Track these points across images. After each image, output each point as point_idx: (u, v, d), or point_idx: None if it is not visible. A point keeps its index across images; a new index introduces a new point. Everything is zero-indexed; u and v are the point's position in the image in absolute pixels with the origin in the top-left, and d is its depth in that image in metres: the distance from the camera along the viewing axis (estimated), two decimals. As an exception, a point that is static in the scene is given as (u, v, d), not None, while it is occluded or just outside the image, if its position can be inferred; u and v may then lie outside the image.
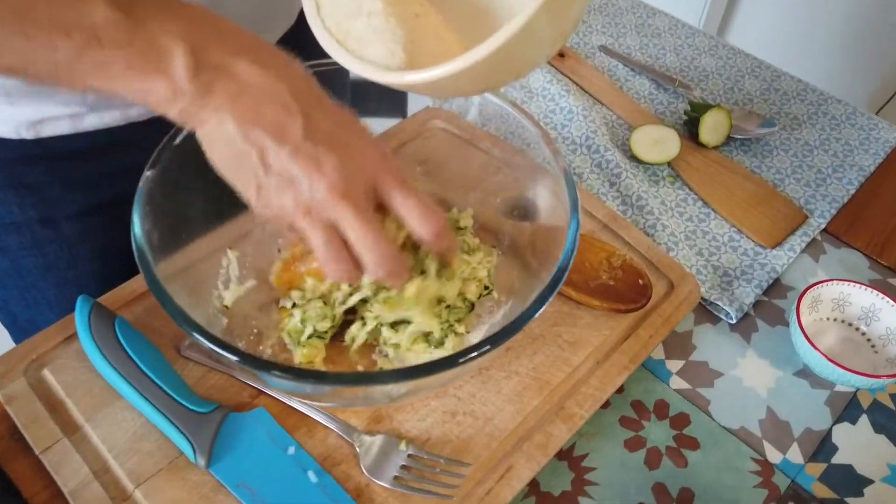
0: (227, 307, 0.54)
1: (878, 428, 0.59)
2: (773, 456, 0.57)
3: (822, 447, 0.58)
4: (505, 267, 0.60)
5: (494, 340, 0.44)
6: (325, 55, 0.44)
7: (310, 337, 0.52)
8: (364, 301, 0.52)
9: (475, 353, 0.43)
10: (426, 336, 0.52)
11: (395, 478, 0.51)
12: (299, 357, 0.53)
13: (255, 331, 0.55)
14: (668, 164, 0.79)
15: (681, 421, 0.59)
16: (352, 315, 0.54)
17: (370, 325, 0.52)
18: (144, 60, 0.38)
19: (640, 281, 0.62)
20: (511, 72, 0.44)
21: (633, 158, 0.79)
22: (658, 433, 0.58)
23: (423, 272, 0.50)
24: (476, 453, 0.53)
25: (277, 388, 0.53)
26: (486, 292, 0.56)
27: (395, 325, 0.52)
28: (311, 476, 0.50)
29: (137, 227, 0.46)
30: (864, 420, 0.59)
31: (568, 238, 0.49)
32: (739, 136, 0.82)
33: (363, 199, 0.42)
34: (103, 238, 0.66)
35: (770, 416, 0.59)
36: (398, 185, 0.43)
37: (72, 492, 0.49)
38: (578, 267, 0.63)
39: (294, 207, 0.41)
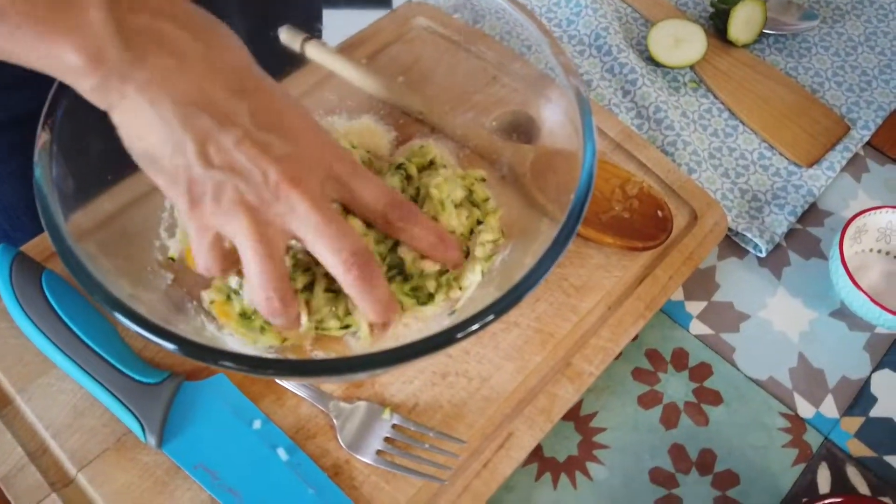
0: (172, 259, 0.45)
1: (921, 375, 0.53)
2: (805, 410, 0.51)
3: (859, 398, 0.51)
4: (503, 200, 0.51)
5: (498, 309, 0.36)
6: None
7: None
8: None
9: (476, 326, 0.35)
10: (413, 291, 0.44)
11: (379, 452, 0.44)
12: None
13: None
14: (691, 67, 0.68)
15: (701, 372, 0.52)
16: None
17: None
18: (50, 9, 0.30)
19: (660, 212, 0.54)
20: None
21: (651, 61, 0.68)
22: (676, 387, 0.51)
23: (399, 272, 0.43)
24: (471, 420, 0.46)
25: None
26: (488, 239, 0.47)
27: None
28: (281, 453, 0.43)
29: (39, 172, 0.37)
30: (906, 366, 0.53)
31: (583, 174, 0.40)
32: (773, 32, 0.71)
33: (318, 191, 0.36)
34: (22, 159, 0.57)
35: (802, 363, 0.53)
36: (357, 173, 0.38)
37: (4, 477, 0.42)
38: (588, 197, 0.54)
39: (234, 205, 0.34)
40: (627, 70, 0.67)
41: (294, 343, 0.43)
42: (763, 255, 0.57)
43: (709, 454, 0.48)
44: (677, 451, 0.49)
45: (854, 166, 0.64)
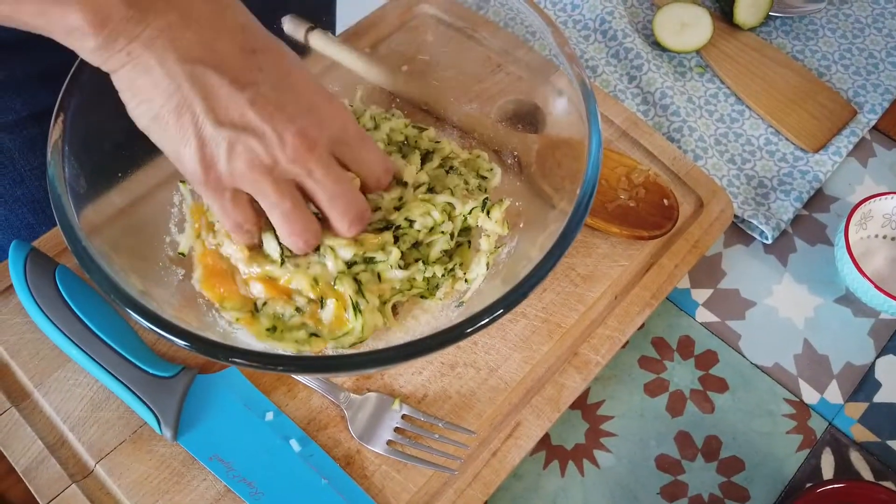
0: (182, 255, 0.46)
1: (926, 360, 0.53)
2: (810, 396, 0.51)
3: (863, 384, 0.52)
4: (508, 190, 0.51)
5: (508, 302, 0.36)
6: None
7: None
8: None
9: (486, 320, 0.36)
10: (425, 281, 0.44)
11: (389, 442, 0.45)
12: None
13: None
14: (697, 52, 0.68)
15: (707, 359, 0.52)
16: None
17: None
18: None
19: (665, 201, 0.54)
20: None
21: (657, 46, 0.68)
22: (682, 374, 0.52)
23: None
24: (479, 410, 0.47)
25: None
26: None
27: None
28: (294, 444, 0.44)
29: (52, 171, 0.37)
30: (911, 351, 0.53)
31: (589, 167, 0.40)
32: (780, 14, 0.70)
33: (329, 155, 0.36)
34: (44, 155, 0.58)
35: (807, 350, 0.53)
36: (363, 139, 0.38)
37: (25, 470, 0.43)
38: (594, 186, 0.54)
39: (252, 167, 0.34)
40: (633, 55, 0.66)
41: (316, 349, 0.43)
42: (769, 241, 0.57)
43: (714, 441, 0.49)
44: (683, 438, 0.49)
45: (860, 151, 0.63)
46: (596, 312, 0.51)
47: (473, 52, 0.56)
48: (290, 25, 0.54)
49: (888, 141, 0.64)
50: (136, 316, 0.35)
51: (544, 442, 0.49)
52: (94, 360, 0.44)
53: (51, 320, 0.45)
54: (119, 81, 0.33)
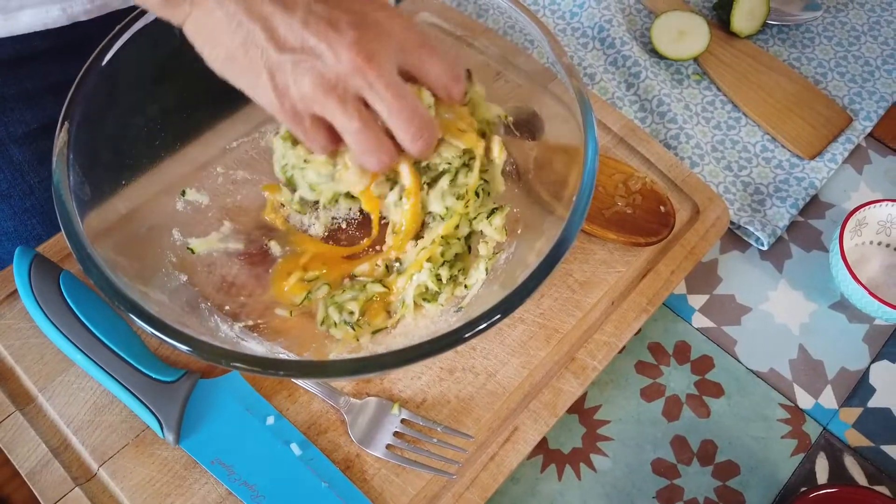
0: (192, 251, 0.46)
1: (920, 365, 0.54)
2: (805, 401, 0.52)
3: (857, 389, 0.52)
4: (507, 197, 0.51)
5: (506, 308, 0.37)
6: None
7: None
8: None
9: (484, 325, 0.36)
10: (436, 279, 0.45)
11: (388, 446, 0.45)
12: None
13: (225, 284, 0.48)
14: (694, 59, 0.68)
15: (703, 365, 0.53)
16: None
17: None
18: None
19: (662, 207, 0.54)
20: None
21: (654, 53, 0.69)
22: (678, 379, 0.52)
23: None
24: (477, 415, 0.47)
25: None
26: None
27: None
28: (294, 448, 0.45)
29: (57, 179, 0.38)
30: (905, 357, 0.54)
31: (584, 177, 0.41)
32: (777, 22, 0.71)
33: (389, 66, 0.35)
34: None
35: (802, 355, 0.54)
36: (426, 44, 0.37)
37: (30, 473, 0.44)
38: (591, 193, 0.54)
39: (316, 87, 0.34)
40: (631, 63, 0.67)
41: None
42: (765, 248, 0.58)
43: (710, 445, 0.50)
44: (679, 443, 0.50)
45: (856, 158, 0.64)
46: (593, 318, 0.51)
47: (474, 60, 0.57)
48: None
49: (883, 148, 0.65)
50: (138, 321, 0.35)
51: (542, 446, 0.49)
52: (97, 364, 0.45)
53: (55, 325, 0.45)
54: (190, 33, 0.35)
